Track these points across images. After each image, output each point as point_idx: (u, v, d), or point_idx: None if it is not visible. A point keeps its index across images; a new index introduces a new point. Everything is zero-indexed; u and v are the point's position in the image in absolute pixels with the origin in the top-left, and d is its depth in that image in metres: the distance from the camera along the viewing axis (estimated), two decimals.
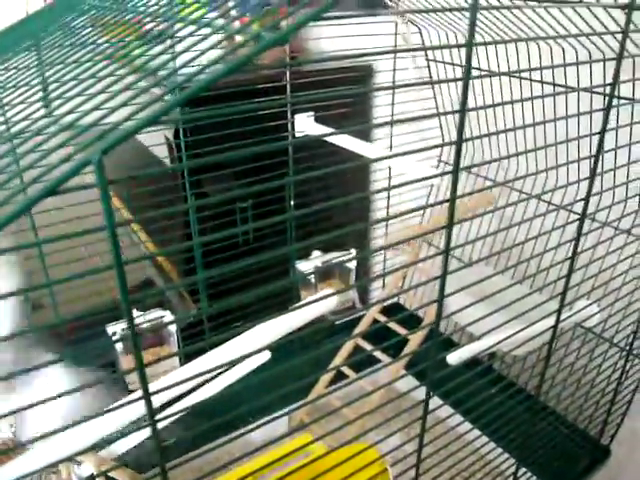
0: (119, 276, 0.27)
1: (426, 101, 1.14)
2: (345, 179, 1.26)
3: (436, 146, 0.40)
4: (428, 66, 1.12)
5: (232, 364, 0.73)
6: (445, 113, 0.37)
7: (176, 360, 1.02)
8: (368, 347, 1.09)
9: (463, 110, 0.36)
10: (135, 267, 1.29)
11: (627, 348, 0.83)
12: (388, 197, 1.22)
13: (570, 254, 0.58)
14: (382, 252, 1.28)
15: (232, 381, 0.76)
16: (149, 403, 0.31)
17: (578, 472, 0.90)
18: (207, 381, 0.72)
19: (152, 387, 0.32)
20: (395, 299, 1.32)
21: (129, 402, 0.31)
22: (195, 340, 1.11)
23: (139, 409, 0.61)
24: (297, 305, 0.43)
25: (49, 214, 0.87)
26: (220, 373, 0.73)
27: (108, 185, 0.25)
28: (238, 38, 0.32)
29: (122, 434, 0.72)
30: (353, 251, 1.15)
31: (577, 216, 0.57)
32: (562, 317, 0.61)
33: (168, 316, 0.97)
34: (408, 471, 0.54)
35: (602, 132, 0.50)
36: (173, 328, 0.99)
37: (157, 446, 0.32)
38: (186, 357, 1.03)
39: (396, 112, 1.20)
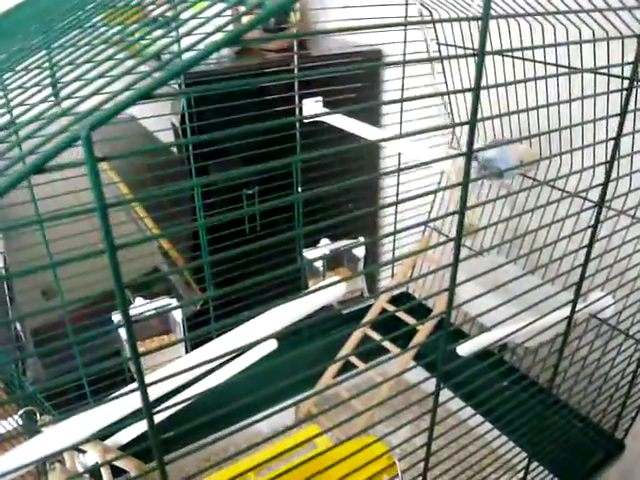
0: (111, 260, 0.26)
1: (437, 87, 1.11)
2: (354, 167, 1.24)
3: (447, 126, 0.38)
4: (439, 51, 1.09)
5: (238, 353, 0.72)
6: (459, 91, 0.35)
7: (182, 349, 1.01)
8: (376, 337, 1.08)
9: (478, 88, 0.34)
10: (143, 255, 1.28)
11: None
12: (397, 184, 1.20)
13: (584, 243, 0.56)
14: (391, 241, 1.26)
15: (238, 370, 0.75)
16: (145, 395, 0.29)
17: (591, 466, 0.88)
18: (212, 370, 0.70)
19: (151, 377, 0.31)
20: (404, 288, 1.30)
21: (126, 393, 0.30)
22: (201, 328, 1.09)
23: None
24: (305, 292, 0.42)
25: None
26: (225, 362, 0.72)
27: (97, 162, 0.23)
28: (242, 9, 0.30)
29: (126, 423, 0.71)
30: (361, 239, 1.13)
31: (591, 204, 0.55)
32: (577, 308, 0.59)
33: (174, 304, 0.95)
34: (417, 464, 0.52)
35: (623, 114, 0.47)
36: (179, 317, 0.98)
37: (154, 439, 0.31)
38: (192, 346, 1.02)
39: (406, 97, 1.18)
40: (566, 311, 0.59)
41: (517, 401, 0.63)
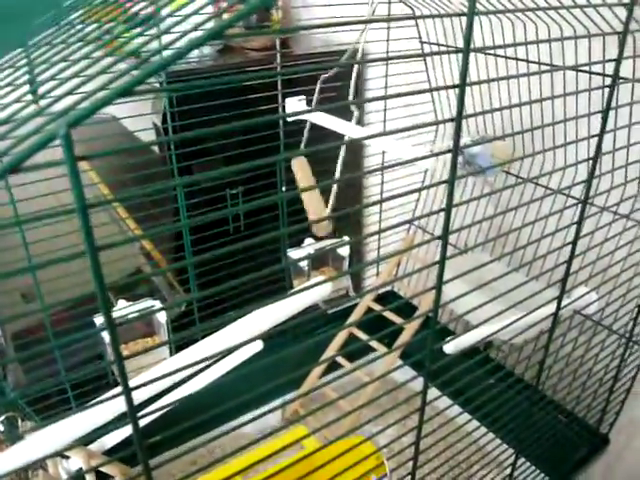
0: (92, 262, 0.25)
1: (420, 84, 1.11)
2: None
3: (431, 123, 0.37)
4: (422, 49, 1.09)
5: (223, 355, 0.71)
6: (444, 87, 0.35)
7: (166, 352, 1.00)
8: (362, 336, 1.08)
9: (463, 84, 0.34)
10: (125, 256, 1.27)
11: (627, 335, 0.82)
12: (382, 182, 1.20)
13: (568, 240, 0.56)
14: (376, 239, 1.26)
15: (224, 372, 0.74)
16: (130, 399, 0.29)
17: (577, 460, 0.89)
18: (197, 373, 0.70)
19: (135, 381, 0.30)
20: (389, 287, 1.30)
21: (109, 398, 0.29)
22: (186, 330, 1.08)
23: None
24: (290, 293, 0.41)
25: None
26: (210, 364, 0.71)
27: (76, 161, 0.23)
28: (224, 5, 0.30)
29: (110, 428, 0.70)
30: (346, 238, 1.13)
31: (575, 201, 0.55)
32: (562, 304, 0.59)
33: (158, 306, 0.94)
34: (406, 463, 0.52)
35: (606, 110, 0.48)
36: (163, 319, 0.97)
37: (139, 444, 0.30)
38: (177, 348, 1.01)
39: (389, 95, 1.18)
40: (551, 308, 0.59)
41: (504, 398, 0.63)
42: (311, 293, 0.56)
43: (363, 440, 0.50)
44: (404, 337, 1.02)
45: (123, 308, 0.95)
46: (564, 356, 0.78)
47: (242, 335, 0.61)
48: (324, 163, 0.99)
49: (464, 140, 0.93)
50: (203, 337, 0.64)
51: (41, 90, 0.36)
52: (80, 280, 1.01)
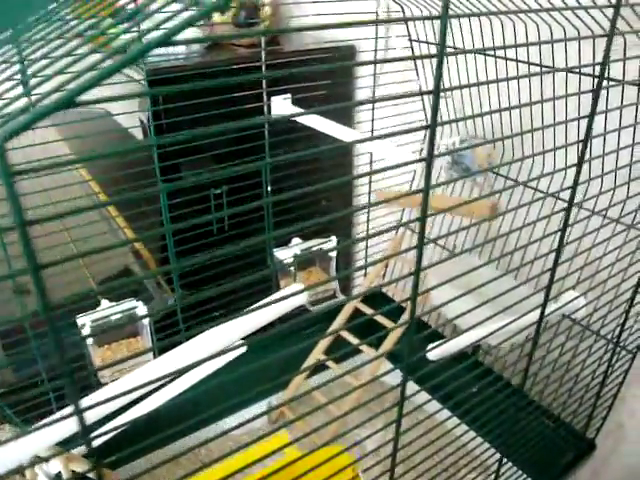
0: (35, 281, 0.24)
1: (410, 84, 1.10)
2: (326, 166, 1.22)
3: (409, 131, 0.36)
4: (411, 47, 1.07)
5: (204, 361, 0.70)
6: (419, 93, 0.34)
7: (149, 352, 0.98)
8: (348, 336, 1.06)
9: (437, 90, 0.32)
10: (114, 255, 1.25)
11: (614, 340, 0.81)
12: (370, 182, 1.18)
13: (557, 243, 0.55)
14: (364, 239, 1.24)
15: (206, 374, 0.73)
16: (82, 421, 0.27)
17: (563, 466, 0.88)
18: (174, 379, 0.68)
19: (91, 399, 0.29)
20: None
21: (58, 420, 0.28)
22: (170, 331, 1.07)
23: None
24: (261, 303, 0.40)
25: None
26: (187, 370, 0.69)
27: (14, 176, 0.21)
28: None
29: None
30: (334, 238, 1.11)
31: (563, 204, 0.54)
32: (549, 310, 0.58)
33: (140, 307, 0.93)
34: (384, 461, 0.51)
35: (591, 115, 0.46)
36: (146, 320, 0.95)
37: (93, 466, 0.29)
38: (160, 349, 0.99)
39: (378, 95, 1.17)
40: (536, 314, 0.58)
41: (490, 401, 0.62)
42: (285, 303, 0.54)
43: (341, 451, 0.49)
44: (390, 340, 1.01)
45: (106, 309, 0.93)
46: (551, 361, 0.77)
47: (222, 342, 0.59)
48: (315, 160, 0.97)
49: (453, 140, 0.91)
50: (187, 338, 0.63)
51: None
52: (64, 280, 1.00)
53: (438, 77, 0.32)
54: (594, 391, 0.85)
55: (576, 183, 0.50)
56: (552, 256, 0.55)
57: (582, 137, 0.50)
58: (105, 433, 0.30)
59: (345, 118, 1.22)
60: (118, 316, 0.91)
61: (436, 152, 0.35)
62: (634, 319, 0.80)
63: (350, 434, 0.51)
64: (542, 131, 0.88)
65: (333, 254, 1.09)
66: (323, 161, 1.08)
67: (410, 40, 1.05)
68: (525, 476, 0.86)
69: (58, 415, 0.28)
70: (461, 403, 0.57)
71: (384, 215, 1.20)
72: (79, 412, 0.27)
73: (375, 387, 1.09)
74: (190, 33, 1.15)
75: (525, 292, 0.56)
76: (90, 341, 0.93)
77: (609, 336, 0.81)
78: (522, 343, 0.78)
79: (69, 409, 0.28)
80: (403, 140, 1.08)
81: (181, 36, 0.25)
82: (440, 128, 1.14)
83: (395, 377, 0.49)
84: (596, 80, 0.48)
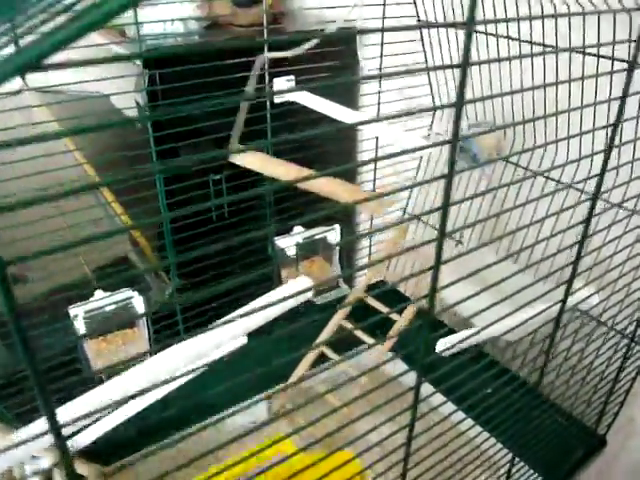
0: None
1: (418, 66, 1.06)
2: (330, 150, 1.18)
3: (428, 109, 0.32)
4: (420, 29, 1.03)
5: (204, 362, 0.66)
6: (444, 67, 0.30)
7: (145, 342, 0.95)
8: (352, 327, 1.03)
9: (465, 63, 0.28)
10: (112, 242, 1.22)
11: (630, 335, 0.77)
12: (375, 169, 1.15)
13: (574, 237, 0.52)
14: (368, 223, 1.21)
15: (206, 365, 0.70)
16: (58, 437, 0.24)
17: (574, 462, 0.85)
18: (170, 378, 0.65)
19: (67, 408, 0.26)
20: (381, 276, 1.25)
21: (37, 435, 0.24)
22: (166, 322, 1.04)
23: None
24: (267, 301, 0.36)
25: None
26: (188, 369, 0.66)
27: None
28: None
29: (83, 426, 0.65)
30: (337, 226, 1.07)
31: (584, 196, 0.51)
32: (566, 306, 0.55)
33: (136, 297, 0.89)
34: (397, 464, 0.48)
35: (623, 97, 0.43)
36: (142, 310, 0.92)
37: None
38: (155, 339, 0.96)
39: (384, 79, 1.13)
40: (555, 309, 0.54)
41: (505, 401, 0.59)
42: (292, 300, 0.51)
43: (351, 458, 0.46)
44: (397, 328, 0.98)
45: (100, 299, 0.90)
46: (567, 358, 0.74)
47: (223, 339, 0.56)
48: (319, 143, 0.93)
49: (462, 125, 0.87)
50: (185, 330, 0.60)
51: None
52: (59, 267, 0.97)
53: (466, 50, 0.29)
54: (607, 387, 0.82)
55: (604, 171, 0.46)
56: (566, 251, 0.52)
57: (605, 125, 0.46)
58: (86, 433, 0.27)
59: (350, 102, 1.18)
60: (113, 307, 0.88)
61: (443, 137, 0.32)
62: None
63: (358, 431, 0.48)
64: (555, 118, 0.85)
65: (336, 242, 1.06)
66: (327, 144, 1.04)
67: (419, 20, 1.01)
68: (536, 475, 0.83)
69: (35, 426, 0.25)
70: (475, 404, 0.54)
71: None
72: (55, 429, 0.24)
73: (381, 378, 1.06)
74: (188, 12, 1.11)
75: (539, 287, 0.53)
76: (82, 332, 0.90)
77: (626, 331, 0.78)
78: (539, 341, 0.75)
79: (42, 424, 0.24)
80: (409, 124, 1.04)
81: (178, 14, 0.22)
82: (442, 113, 1.10)
83: (398, 369, 0.46)
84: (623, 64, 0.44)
